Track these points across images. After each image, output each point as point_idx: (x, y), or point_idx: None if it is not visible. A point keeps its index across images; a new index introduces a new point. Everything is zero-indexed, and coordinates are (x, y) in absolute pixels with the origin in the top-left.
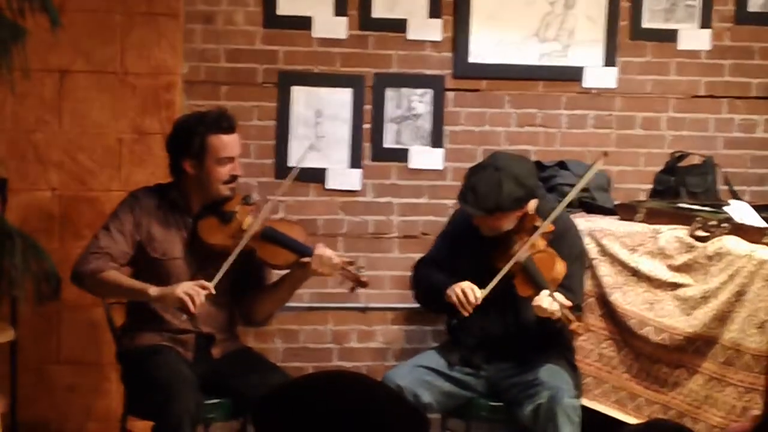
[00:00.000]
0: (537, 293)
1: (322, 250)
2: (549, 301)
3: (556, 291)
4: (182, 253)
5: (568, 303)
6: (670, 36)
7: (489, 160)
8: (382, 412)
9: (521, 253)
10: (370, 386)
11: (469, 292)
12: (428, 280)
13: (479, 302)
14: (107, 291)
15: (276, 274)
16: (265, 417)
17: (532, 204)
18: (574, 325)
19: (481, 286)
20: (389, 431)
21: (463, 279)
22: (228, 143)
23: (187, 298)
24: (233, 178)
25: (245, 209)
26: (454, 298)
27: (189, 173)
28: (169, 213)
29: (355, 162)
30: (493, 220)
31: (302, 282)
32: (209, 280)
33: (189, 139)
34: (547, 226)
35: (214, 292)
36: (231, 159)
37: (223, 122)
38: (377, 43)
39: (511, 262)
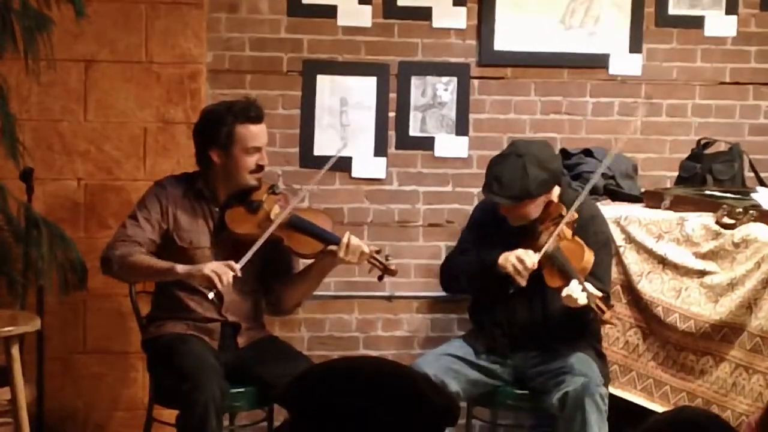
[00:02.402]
0: (566, 284)
1: (350, 238)
2: (579, 292)
3: (585, 281)
4: (209, 242)
5: (599, 293)
6: (695, 22)
7: (510, 149)
8: (412, 393)
9: (551, 242)
10: (398, 369)
11: (525, 258)
12: (468, 264)
13: (536, 267)
14: (135, 273)
15: (303, 263)
16: (299, 398)
17: (556, 191)
18: (606, 315)
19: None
20: (426, 412)
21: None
22: (256, 133)
23: (214, 276)
24: (260, 167)
25: (272, 198)
26: (510, 268)
27: (216, 163)
28: (196, 202)
29: (380, 150)
30: (521, 207)
31: (329, 270)
32: None
33: (216, 129)
34: (572, 214)
35: (240, 273)
36: (258, 149)
37: (251, 112)
38: (402, 31)
39: (555, 236)
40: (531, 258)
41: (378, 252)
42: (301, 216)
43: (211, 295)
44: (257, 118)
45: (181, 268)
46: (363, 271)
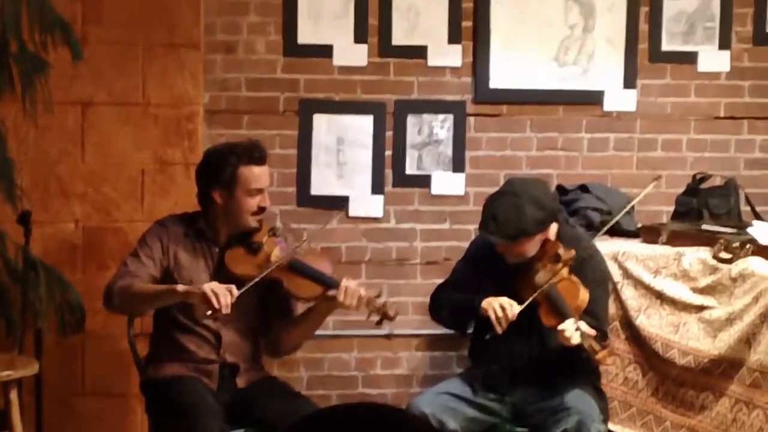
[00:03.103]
0: (562, 322)
1: (349, 283)
2: (574, 331)
3: (580, 319)
4: (208, 281)
5: (593, 332)
6: (689, 58)
7: (505, 187)
8: None
9: (547, 281)
10: (396, 415)
11: (507, 306)
12: (455, 298)
13: (515, 319)
14: (136, 302)
15: (303, 306)
16: None
17: (553, 229)
18: (599, 355)
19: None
20: None
21: None
22: (259, 174)
23: (212, 295)
24: (262, 209)
25: (273, 240)
26: (491, 313)
27: (218, 203)
28: (196, 241)
29: (377, 188)
30: (517, 246)
31: (329, 314)
32: (235, 309)
33: (220, 169)
34: (565, 250)
35: (236, 295)
36: (260, 190)
37: (255, 153)
38: (398, 70)
39: (548, 284)
40: (512, 310)
41: (378, 297)
42: (300, 259)
43: (209, 313)
44: (260, 160)
45: (180, 287)
46: (364, 316)
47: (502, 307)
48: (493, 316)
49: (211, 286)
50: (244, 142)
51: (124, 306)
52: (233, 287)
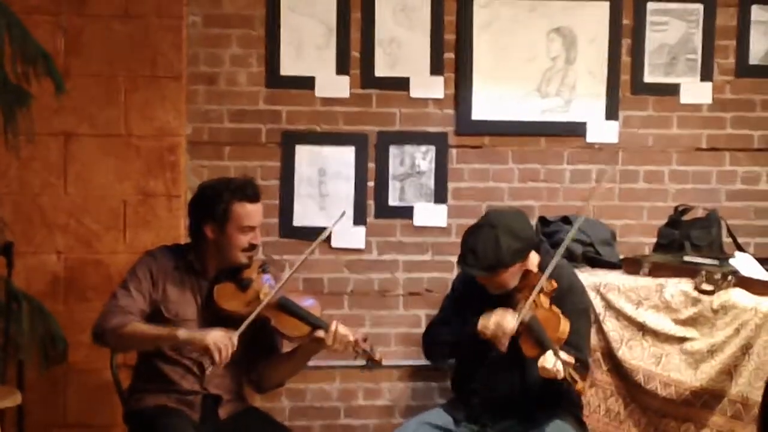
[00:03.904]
0: (542, 353)
1: (339, 326)
2: (553, 362)
3: (561, 350)
4: (195, 315)
5: (572, 361)
6: (671, 90)
7: (483, 220)
8: None
9: (525, 309)
10: None
11: (504, 323)
12: (450, 332)
13: (514, 332)
14: (132, 343)
15: (288, 344)
16: None
17: (534, 259)
18: (579, 386)
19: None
20: None
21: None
22: (252, 212)
23: (215, 349)
24: (253, 246)
25: (261, 277)
26: (489, 333)
27: (209, 237)
28: (185, 275)
29: (360, 220)
30: (496, 277)
31: (314, 354)
32: None
33: (213, 205)
34: (546, 281)
35: (236, 343)
36: (252, 228)
37: (249, 190)
38: (380, 102)
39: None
40: (511, 324)
41: (365, 340)
42: (290, 298)
43: (209, 370)
44: (254, 197)
45: (182, 333)
46: (351, 358)
47: (498, 325)
48: (491, 335)
49: (214, 339)
50: (238, 179)
51: (117, 345)
52: (233, 336)
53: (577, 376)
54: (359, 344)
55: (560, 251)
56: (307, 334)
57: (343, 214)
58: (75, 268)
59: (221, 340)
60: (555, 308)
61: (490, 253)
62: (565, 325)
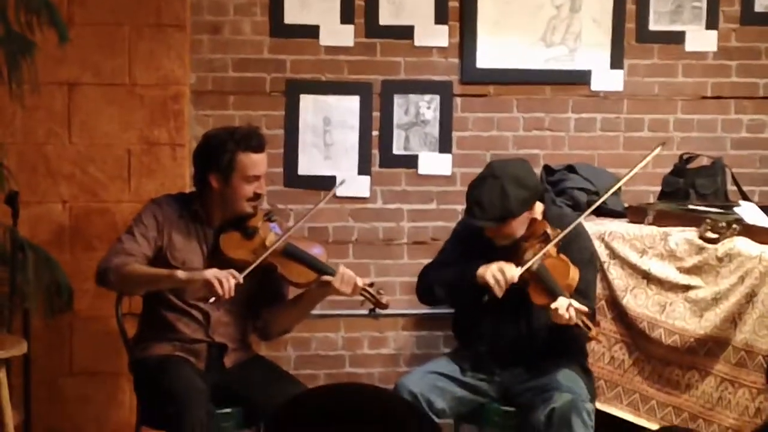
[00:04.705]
0: (552, 301)
1: (346, 270)
2: (567, 308)
3: (571, 297)
4: (201, 264)
5: (585, 309)
6: (676, 38)
7: (486, 171)
8: (395, 421)
9: (536, 259)
10: (383, 396)
11: (506, 269)
12: (448, 274)
13: (516, 281)
14: (133, 283)
15: (293, 291)
16: (280, 428)
17: (539, 208)
18: (593, 333)
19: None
20: None
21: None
22: (256, 162)
23: (215, 281)
24: (257, 196)
25: (267, 225)
26: (490, 278)
27: (214, 187)
28: (191, 223)
29: (364, 169)
30: (505, 227)
31: (320, 300)
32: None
33: (218, 155)
34: (552, 230)
35: (242, 281)
36: (257, 177)
37: (253, 140)
38: (384, 50)
39: (539, 256)
40: (512, 271)
41: (371, 285)
42: (296, 245)
43: (211, 300)
44: (259, 147)
45: (181, 273)
46: (357, 303)
47: (501, 270)
48: (492, 281)
49: (213, 273)
50: (243, 128)
51: (118, 285)
52: (235, 272)
53: (590, 323)
54: (366, 288)
55: (588, 211)
56: (313, 280)
57: (343, 182)
58: (80, 217)
59: (221, 273)
60: (563, 256)
61: (497, 203)
62: (574, 273)
